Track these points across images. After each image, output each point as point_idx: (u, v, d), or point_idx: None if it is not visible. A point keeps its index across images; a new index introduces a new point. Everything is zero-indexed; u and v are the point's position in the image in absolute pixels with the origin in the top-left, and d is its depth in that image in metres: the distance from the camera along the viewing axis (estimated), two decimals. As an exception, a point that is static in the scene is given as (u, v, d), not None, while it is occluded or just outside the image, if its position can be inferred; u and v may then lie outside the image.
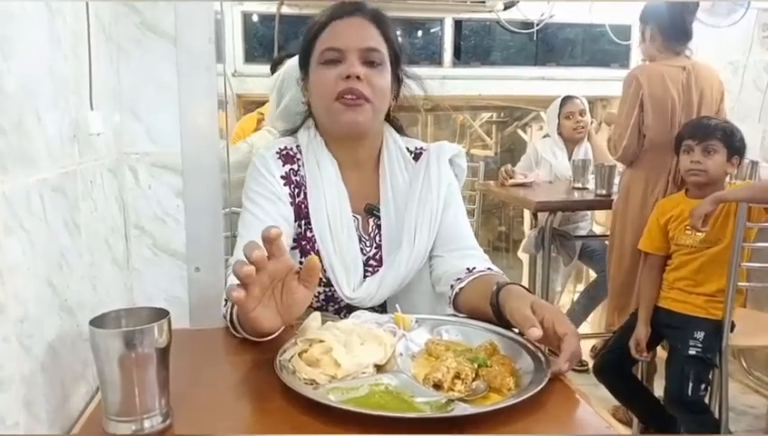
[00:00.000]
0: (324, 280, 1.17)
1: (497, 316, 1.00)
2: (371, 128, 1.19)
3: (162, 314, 0.75)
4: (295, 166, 1.22)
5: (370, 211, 1.23)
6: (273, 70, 2.90)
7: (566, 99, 3.30)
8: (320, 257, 1.16)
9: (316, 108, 1.20)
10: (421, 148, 1.29)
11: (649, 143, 2.40)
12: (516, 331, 1.00)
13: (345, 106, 1.13)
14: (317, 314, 0.94)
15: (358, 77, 1.11)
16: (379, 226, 1.22)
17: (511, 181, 3.15)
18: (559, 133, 3.34)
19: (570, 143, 3.34)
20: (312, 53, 1.17)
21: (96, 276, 0.98)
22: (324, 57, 1.14)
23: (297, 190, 1.20)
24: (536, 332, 0.88)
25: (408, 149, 1.28)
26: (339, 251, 1.16)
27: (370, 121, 1.16)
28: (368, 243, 1.21)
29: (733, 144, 2.09)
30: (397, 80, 1.23)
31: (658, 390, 2.32)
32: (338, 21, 1.16)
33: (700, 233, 2.06)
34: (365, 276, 1.19)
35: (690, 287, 2.11)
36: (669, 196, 2.30)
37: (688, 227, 2.08)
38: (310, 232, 1.18)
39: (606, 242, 2.79)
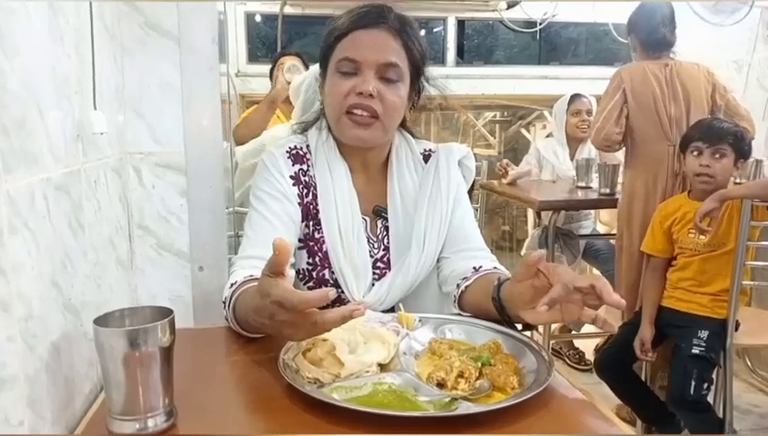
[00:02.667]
0: (332, 281, 1.17)
1: (499, 311, 1.00)
2: (379, 142, 1.19)
3: (165, 313, 0.76)
4: (305, 166, 1.21)
5: (378, 212, 1.23)
6: (272, 71, 2.90)
7: (575, 97, 3.28)
8: (329, 260, 1.16)
9: (327, 115, 1.20)
10: (430, 150, 1.29)
11: (640, 136, 2.45)
12: (520, 327, 1.00)
13: (353, 123, 1.12)
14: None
15: (370, 95, 1.10)
16: (386, 228, 1.22)
17: (510, 175, 3.15)
18: (564, 131, 3.33)
19: (574, 141, 3.33)
20: (331, 57, 1.15)
21: (100, 275, 0.98)
22: (340, 67, 1.12)
23: (306, 190, 1.20)
24: (537, 253, 0.87)
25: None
26: (348, 255, 1.16)
27: (378, 137, 1.16)
28: (376, 245, 1.21)
29: (742, 149, 2.08)
30: (417, 90, 1.22)
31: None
32: (360, 31, 1.13)
33: (703, 237, 2.06)
34: (373, 279, 1.19)
35: (694, 287, 2.11)
36: (671, 198, 2.30)
37: (692, 230, 2.09)
38: (318, 232, 1.18)
39: (611, 242, 2.78)
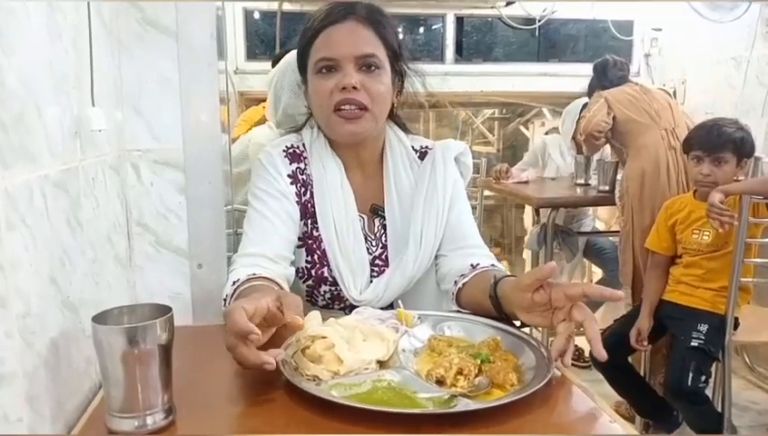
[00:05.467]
0: (330, 279, 1.17)
1: (497, 309, 1.00)
2: (371, 133, 1.19)
3: (164, 311, 0.75)
4: (302, 165, 1.21)
5: (376, 211, 1.22)
6: (274, 66, 2.90)
7: (587, 106, 3.20)
8: (326, 258, 1.17)
9: (316, 116, 1.20)
10: (426, 147, 1.28)
11: (633, 130, 2.55)
12: (518, 324, 1.00)
13: (344, 120, 1.12)
14: (316, 313, 0.94)
15: (354, 87, 1.10)
16: (384, 226, 1.22)
17: (510, 181, 3.12)
18: (572, 139, 3.27)
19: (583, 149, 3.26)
20: (308, 60, 1.16)
21: (99, 273, 0.98)
22: (319, 67, 1.13)
23: (303, 189, 1.20)
24: (549, 265, 0.89)
25: (413, 147, 1.27)
26: (345, 253, 1.16)
27: (371, 129, 1.16)
28: (374, 243, 1.21)
29: (744, 152, 2.08)
30: (399, 76, 1.21)
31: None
32: (331, 27, 1.13)
33: (707, 236, 2.07)
34: (371, 276, 1.19)
35: (697, 282, 2.12)
36: (677, 196, 2.30)
37: (695, 230, 2.10)
38: (317, 231, 1.18)
39: (612, 240, 2.79)
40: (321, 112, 1.15)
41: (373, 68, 1.13)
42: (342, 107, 1.11)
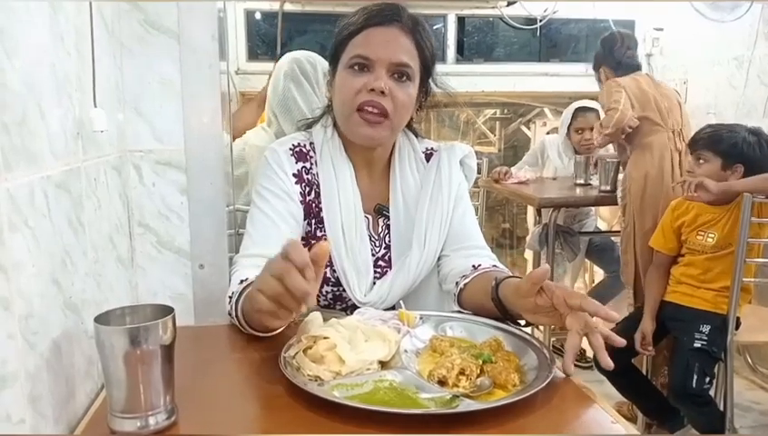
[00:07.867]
0: (333, 279, 1.17)
1: (500, 310, 1.01)
2: (386, 142, 1.19)
3: (166, 311, 0.75)
4: (308, 164, 1.21)
5: (380, 211, 1.22)
6: None
7: (579, 111, 3.17)
8: (330, 259, 1.16)
9: (336, 111, 1.19)
10: (432, 148, 1.29)
11: (642, 130, 2.54)
12: (523, 323, 1.00)
13: (364, 121, 1.12)
14: (317, 314, 0.94)
15: (382, 92, 1.10)
16: (388, 227, 1.22)
17: (510, 181, 3.12)
18: (568, 141, 3.27)
19: (580, 152, 3.27)
20: (343, 53, 1.15)
21: (101, 274, 0.98)
22: (353, 63, 1.12)
23: (308, 188, 1.20)
24: (541, 269, 0.89)
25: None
26: (350, 253, 1.16)
27: (387, 137, 1.16)
28: (377, 244, 1.21)
29: (724, 151, 2.08)
30: (425, 92, 1.22)
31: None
32: (373, 28, 1.13)
33: (711, 238, 2.08)
34: (374, 277, 1.19)
35: (698, 283, 2.11)
36: (683, 197, 2.30)
37: (700, 232, 2.11)
38: (321, 231, 1.18)
39: (613, 239, 2.78)
40: (344, 108, 1.15)
41: (404, 78, 1.13)
42: (366, 108, 1.11)
